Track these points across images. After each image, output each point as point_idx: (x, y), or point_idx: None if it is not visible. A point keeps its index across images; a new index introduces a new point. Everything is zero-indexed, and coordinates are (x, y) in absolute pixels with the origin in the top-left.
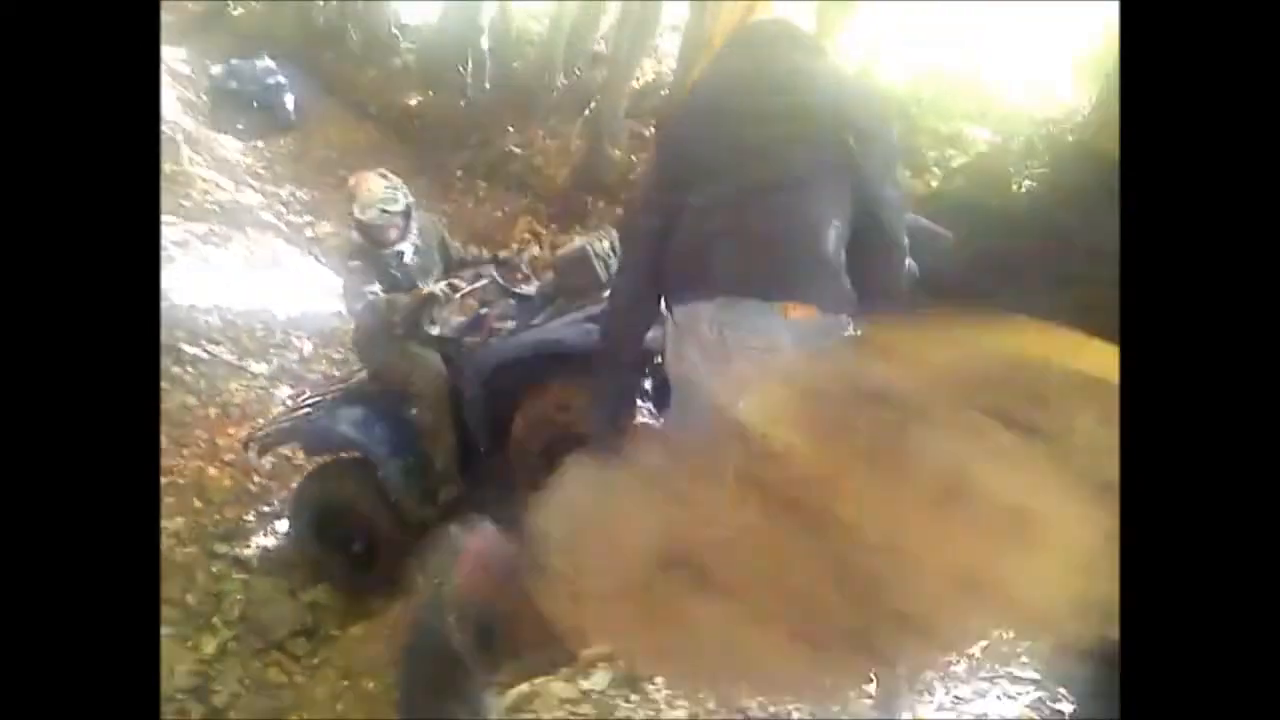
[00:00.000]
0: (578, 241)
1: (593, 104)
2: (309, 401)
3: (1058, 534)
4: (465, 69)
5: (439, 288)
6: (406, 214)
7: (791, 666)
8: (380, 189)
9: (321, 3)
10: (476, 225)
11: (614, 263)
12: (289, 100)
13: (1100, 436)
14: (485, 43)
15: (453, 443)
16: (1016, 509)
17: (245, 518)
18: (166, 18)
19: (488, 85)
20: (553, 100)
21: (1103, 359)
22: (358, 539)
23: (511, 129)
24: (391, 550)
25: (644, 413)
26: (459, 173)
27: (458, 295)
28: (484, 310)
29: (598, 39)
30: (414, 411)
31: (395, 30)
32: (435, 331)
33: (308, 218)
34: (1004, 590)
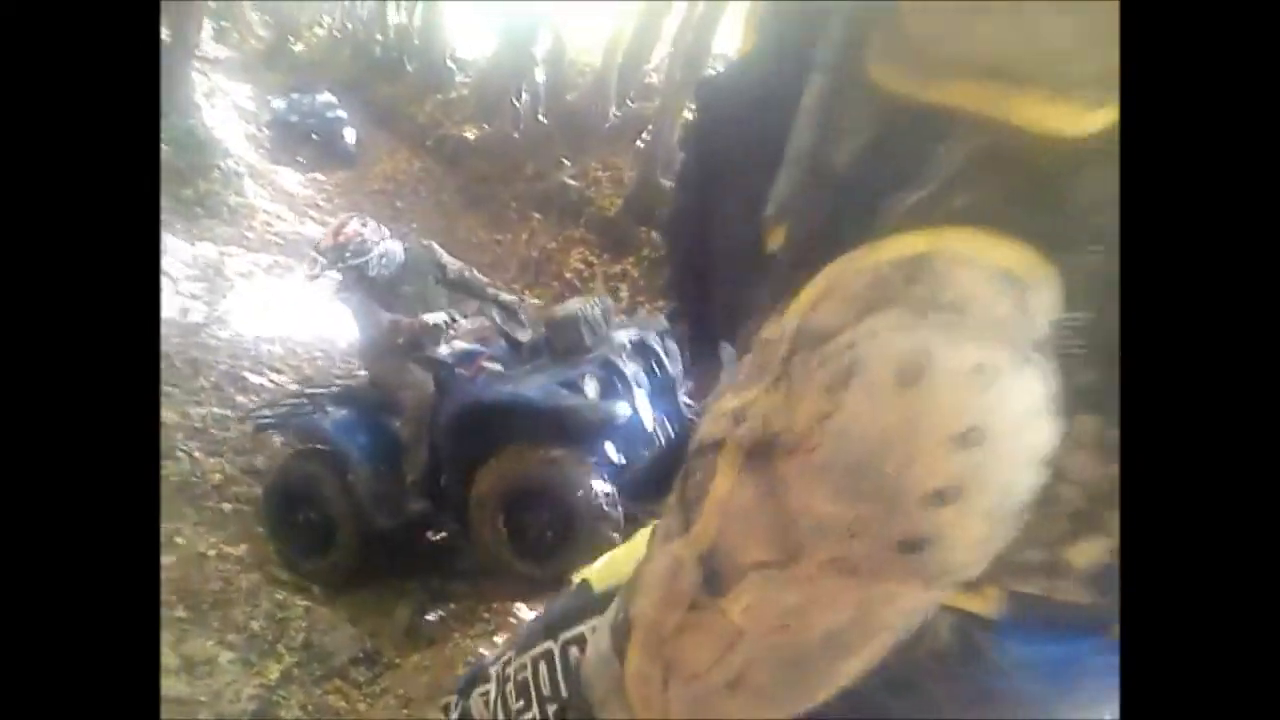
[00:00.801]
0: (573, 304)
1: (645, 134)
2: (306, 393)
3: None
4: (519, 101)
5: (441, 319)
6: (380, 256)
7: None
8: (354, 235)
9: (379, 36)
10: (530, 256)
11: (603, 330)
12: (348, 133)
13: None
14: (539, 75)
15: (425, 461)
16: None
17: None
18: (229, 53)
19: (542, 117)
20: (606, 131)
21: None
22: (316, 527)
23: (565, 160)
24: (349, 548)
25: None
26: (513, 204)
27: (457, 324)
28: (479, 347)
29: (650, 70)
30: (398, 424)
31: (451, 63)
32: (435, 353)
33: None
34: None
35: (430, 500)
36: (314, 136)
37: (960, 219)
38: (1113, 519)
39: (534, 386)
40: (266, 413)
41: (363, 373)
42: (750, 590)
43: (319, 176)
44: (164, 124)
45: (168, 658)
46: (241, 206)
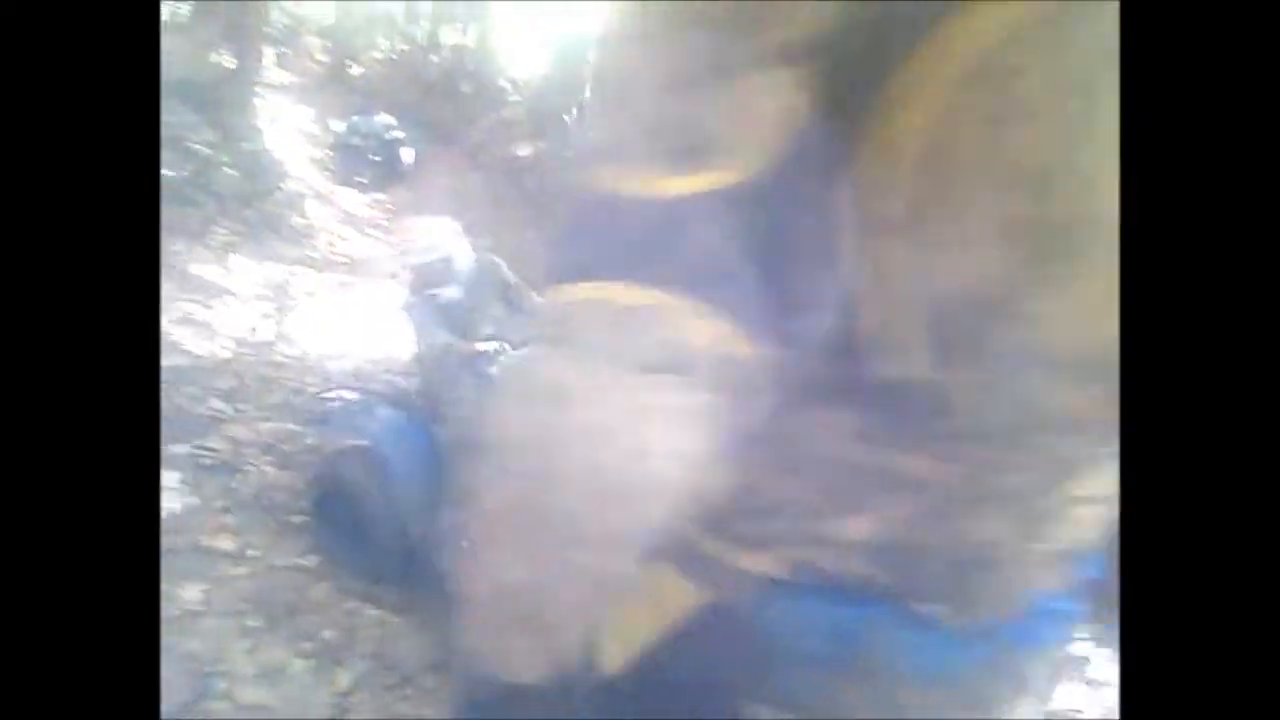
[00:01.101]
0: None
1: None
2: (358, 388)
3: None
4: (570, 118)
5: (491, 346)
6: (449, 260)
7: None
8: (426, 235)
9: (434, 59)
10: None
11: None
12: (405, 153)
13: None
14: (588, 91)
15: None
16: None
17: None
18: (291, 78)
19: (591, 134)
20: None
21: None
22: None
23: None
24: (386, 550)
25: None
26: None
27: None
28: None
29: None
30: (442, 437)
31: (504, 82)
32: (485, 373)
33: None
34: None
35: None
36: (374, 157)
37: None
38: (878, 499)
39: None
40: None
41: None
42: None
43: (380, 196)
44: (230, 149)
45: (244, 666)
46: (305, 227)
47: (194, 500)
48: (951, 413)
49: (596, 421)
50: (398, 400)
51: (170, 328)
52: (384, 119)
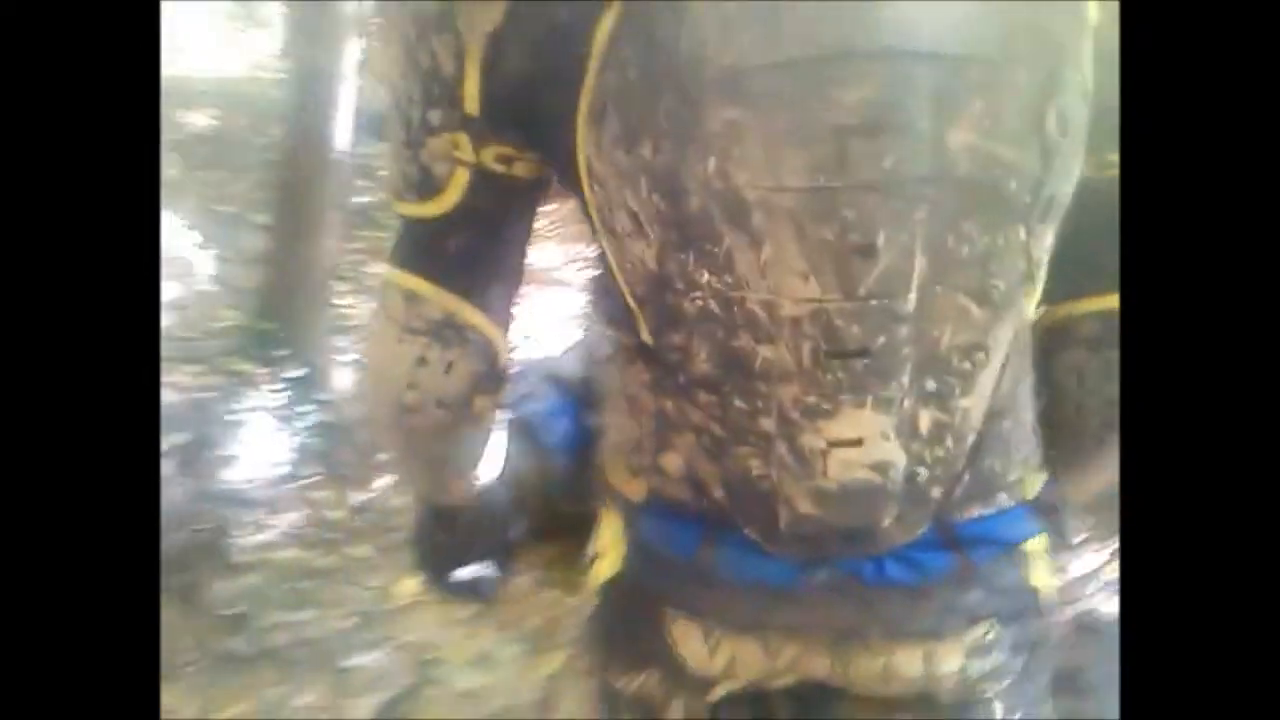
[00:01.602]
0: None
1: None
2: (523, 359)
3: None
4: None
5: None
6: None
7: None
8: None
9: None
10: None
11: None
12: None
13: None
14: None
15: None
16: None
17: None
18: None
19: None
20: None
21: None
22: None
23: None
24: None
25: None
26: None
27: None
28: None
29: None
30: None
31: None
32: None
33: (597, 270)
34: None
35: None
36: None
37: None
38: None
39: None
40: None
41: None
42: None
43: (555, 208)
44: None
45: (456, 653)
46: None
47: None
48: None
49: None
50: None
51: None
52: None
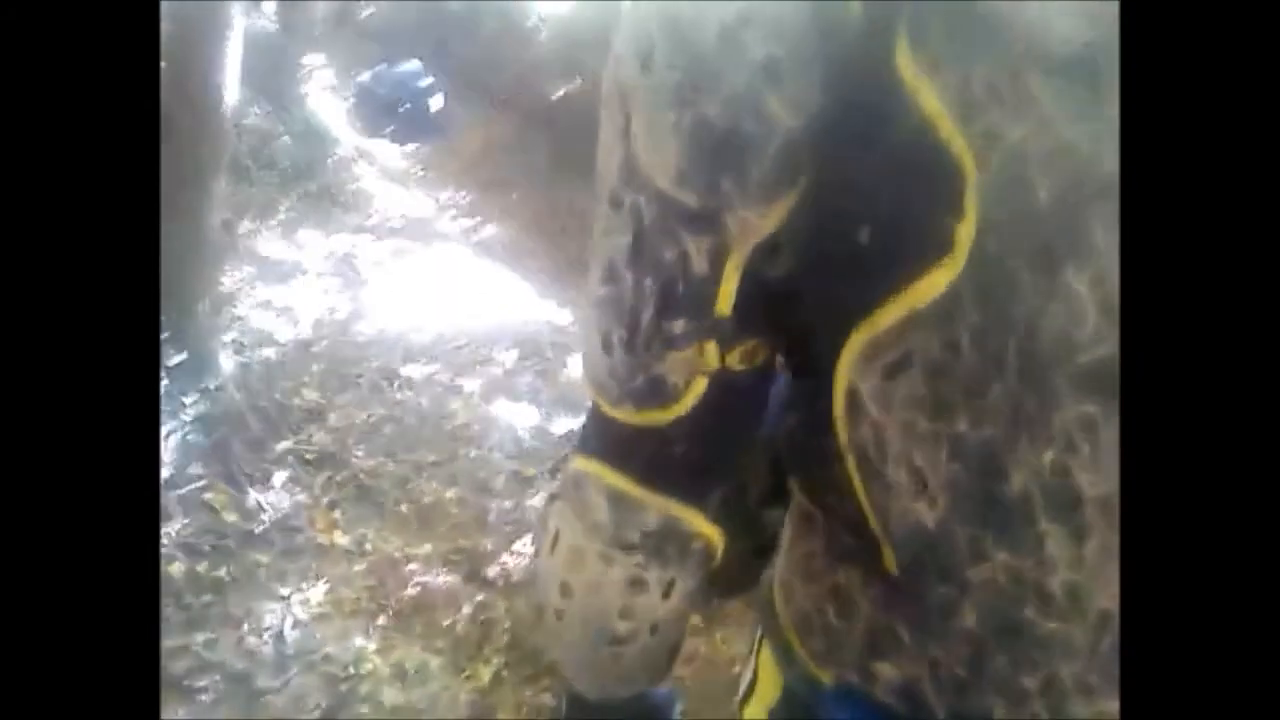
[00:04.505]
0: None
1: None
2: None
3: None
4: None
5: None
6: None
7: None
8: None
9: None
10: None
11: None
12: (435, 101)
13: None
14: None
15: None
16: None
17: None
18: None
19: None
20: None
21: None
22: None
23: None
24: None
25: None
26: None
27: None
28: None
29: None
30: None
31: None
32: None
33: (473, 220)
34: None
35: None
36: (401, 108)
37: None
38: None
39: None
40: None
41: None
42: None
43: (414, 148)
44: (282, 117)
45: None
46: (360, 193)
47: (302, 497)
48: None
49: None
50: None
51: (253, 313)
52: (411, 66)
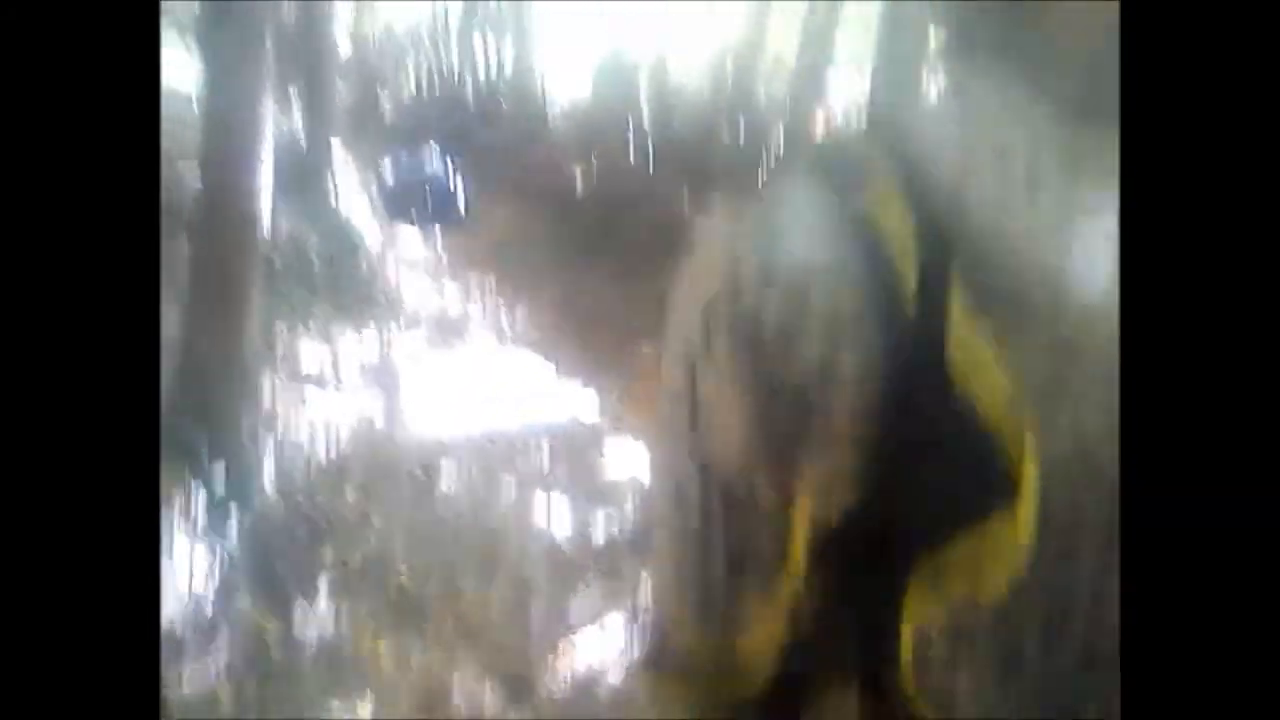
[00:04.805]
0: None
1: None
2: None
3: None
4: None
5: None
6: None
7: None
8: None
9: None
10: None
11: None
12: (456, 186)
13: None
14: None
15: None
16: None
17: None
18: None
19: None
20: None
21: None
22: None
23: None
24: None
25: None
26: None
27: None
28: None
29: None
30: None
31: (549, 107)
32: None
33: (499, 306)
34: None
35: None
36: (424, 194)
37: None
38: None
39: None
40: None
41: None
42: None
43: (436, 233)
44: (309, 214)
45: None
46: (390, 287)
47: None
48: None
49: None
50: None
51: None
52: (430, 151)
